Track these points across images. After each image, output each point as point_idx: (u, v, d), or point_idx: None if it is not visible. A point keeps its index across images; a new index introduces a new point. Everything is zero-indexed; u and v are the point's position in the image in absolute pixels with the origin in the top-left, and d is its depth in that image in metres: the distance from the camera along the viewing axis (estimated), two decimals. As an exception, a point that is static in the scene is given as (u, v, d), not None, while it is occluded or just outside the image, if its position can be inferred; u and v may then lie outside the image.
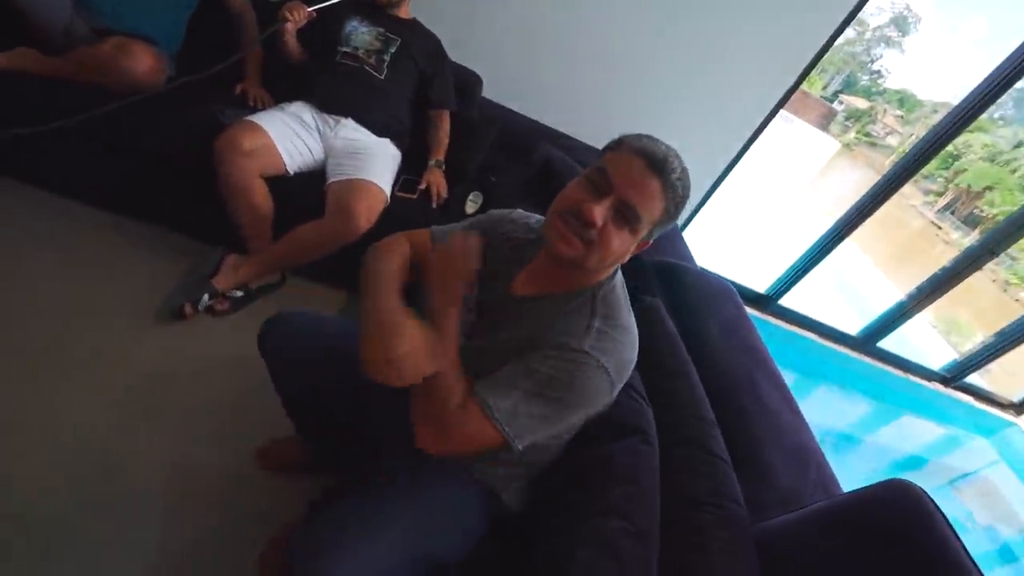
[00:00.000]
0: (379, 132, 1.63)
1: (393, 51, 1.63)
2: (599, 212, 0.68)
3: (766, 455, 1.14)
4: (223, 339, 1.44)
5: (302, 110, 1.55)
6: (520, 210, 0.94)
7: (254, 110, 1.58)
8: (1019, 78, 2.26)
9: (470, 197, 1.73)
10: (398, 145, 1.70)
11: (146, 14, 1.52)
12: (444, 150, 1.75)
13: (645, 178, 0.69)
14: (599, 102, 2.25)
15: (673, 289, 1.50)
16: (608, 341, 0.72)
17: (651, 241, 0.77)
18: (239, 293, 1.50)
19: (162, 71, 1.45)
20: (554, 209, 0.74)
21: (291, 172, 1.49)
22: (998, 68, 2.25)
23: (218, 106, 1.55)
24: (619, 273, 0.81)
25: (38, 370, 1.19)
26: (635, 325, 0.78)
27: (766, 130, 2.40)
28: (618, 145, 0.73)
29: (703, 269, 1.71)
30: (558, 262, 0.74)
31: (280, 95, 1.63)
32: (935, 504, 0.81)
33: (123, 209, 1.60)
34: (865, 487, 0.87)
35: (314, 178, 1.55)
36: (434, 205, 1.66)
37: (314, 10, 1.50)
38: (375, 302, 0.76)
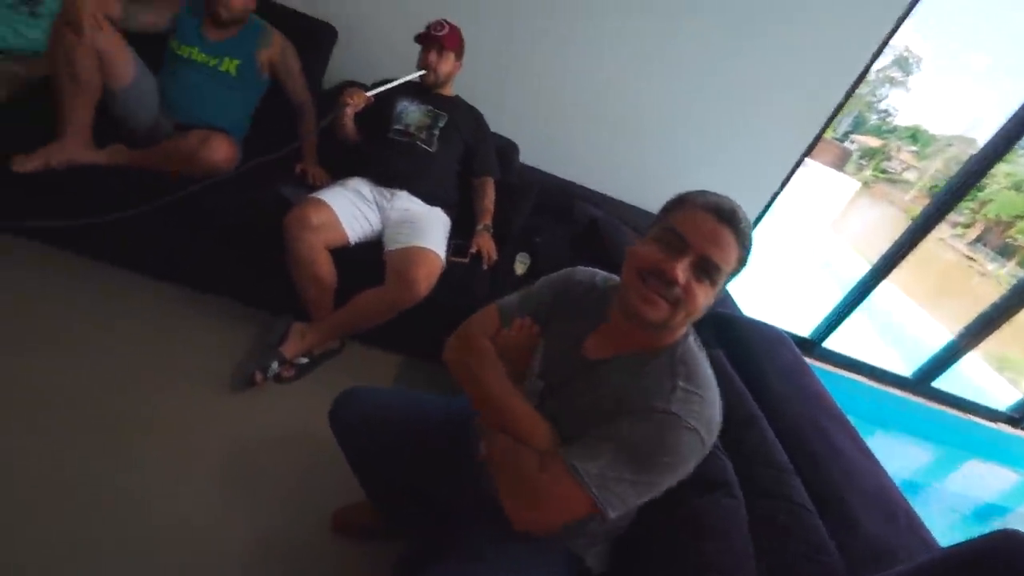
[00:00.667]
0: (431, 201, 1.73)
1: (441, 126, 1.76)
2: (681, 270, 0.70)
3: (849, 502, 1.10)
4: (291, 406, 1.49)
5: (360, 185, 1.67)
6: (582, 268, 0.95)
7: (312, 187, 1.72)
8: None
9: (519, 258, 1.79)
10: (448, 213, 1.80)
11: (219, 109, 1.69)
12: (491, 215, 1.84)
13: (719, 230, 0.70)
14: (630, 161, 2.35)
15: (729, 339, 1.51)
16: (695, 401, 0.71)
17: (723, 291, 0.79)
18: (304, 360, 1.56)
19: (236, 158, 1.59)
20: (629, 272, 0.75)
21: (352, 243, 1.58)
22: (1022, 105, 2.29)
23: (281, 185, 1.68)
24: (693, 329, 0.81)
25: (119, 440, 1.24)
26: (715, 381, 0.77)
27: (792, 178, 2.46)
28: (682, 203, 0.75)
29: (753, 318, 1.72)
30: (641, 325, 0.74)
31: (338, 172, 1.76)
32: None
33: (196, 284, 1.71)
34: (975, 539, 0.83)
35: (372, 246, 1.64)
36: (485, 267, 1.73)
37: (372, 95, 1.64)
38: (514, 399, 0.81)
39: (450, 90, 1.86)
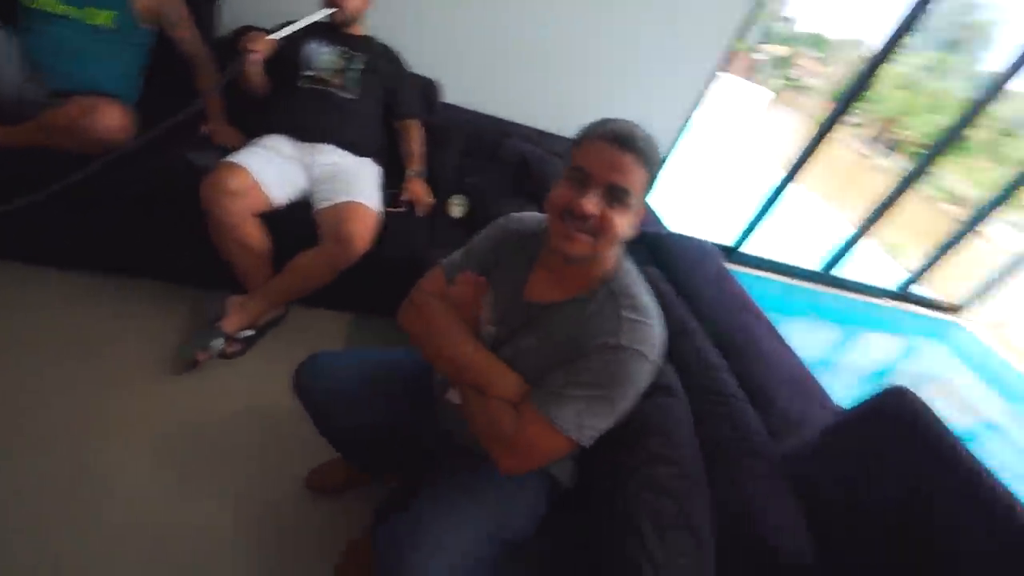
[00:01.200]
0: (358, 152, 1.66)
1: (359, 67, 1.65)
2: (591, 203, 0.74)
3: (771, 388, 1.27)
4: (244, 379, 1.47)
5: (279, 142, 1.56)
6: (516, 214, 0.98)
7: (225, 150, 1.59)
8: (923, 10, 2.48)
9: (455, 201, 1.79)
10: (377, 161, 1.74)
11: (101, 70, 1.50)
12: (421, 159, 1.79)
13: (617, 157, 0.74)
14: (553, 92, 2.34)
15: (661, 256, 1.62)
16: (641, 328, 0.78)
17: (644, 209, 0.84)
18: (248, 332, 1.52)
19: (130, 125, 1.44)
20: (550, 214, 0.80)
21: (279, 206, 1.51)
22: (907, 10, 2.46)
23: (188, 151, 1.55)
24: (625, 255, 0.87)
25: (69, 447, 1.19)
26: (654, 300, 0.84)
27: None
28: (583, 138, 0.79)
29: (681, 234, 1.84)
30: (573, 262, 0.80)
31: (251, 129, 1.64)
32: (925, 403, 0.94)
33: (112, 269, 1.59)
34: (865, 400, 1.00)
35: (303, 207, 1.57)
36: (421, 214, 1.71)
37: (276, 38, 1.51)
38: (473, 355, 0.86)
39: (360, 29, 1.74)
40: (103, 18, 1.48)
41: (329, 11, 1.60)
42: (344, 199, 1.50)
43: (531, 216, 0.96)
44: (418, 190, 1.73)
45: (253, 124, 1.64)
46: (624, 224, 0.78)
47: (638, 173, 0.75)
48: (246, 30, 1.66)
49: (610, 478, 0.96)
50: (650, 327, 0.80)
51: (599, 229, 0.76)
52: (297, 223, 1.53)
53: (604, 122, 0.78)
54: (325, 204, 1.51)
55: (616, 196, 0.75)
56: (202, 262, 1.55)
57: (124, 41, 1.54)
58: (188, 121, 1.49)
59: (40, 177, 1.32)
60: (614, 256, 0.84)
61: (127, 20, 1.52)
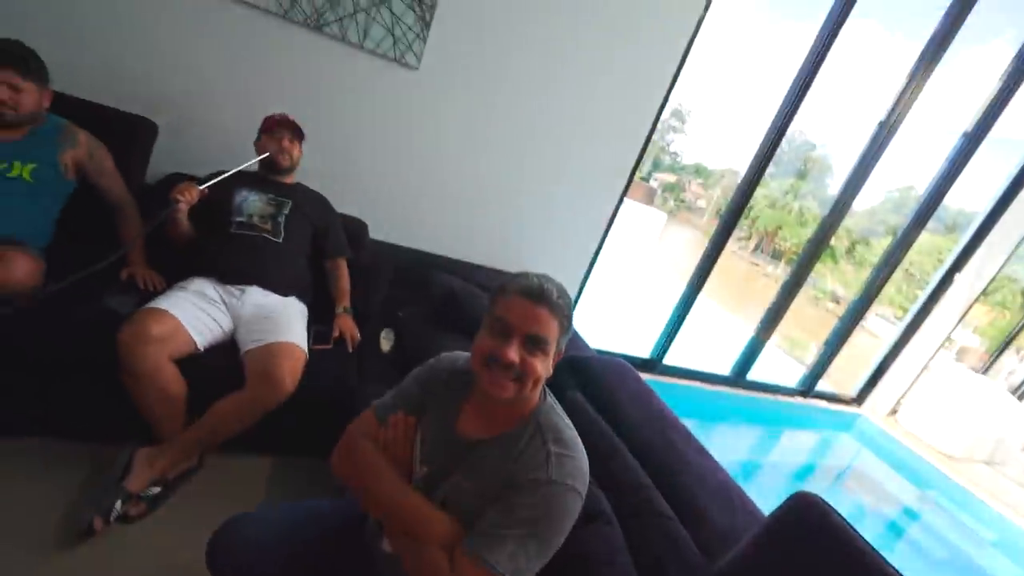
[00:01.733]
0: (284, 292, 1.69)
1: (287, 213, 1.74)
2: (512, 352, 0.82)
3: (699, 502, 1.32)
4: (148, 545, 1.30)
5: (203, 285, 1.56)
6: (445, 354, 1.04)
7: (146, 294, 1.56)
8: (776, 147, 3.09)
9: (383, 335, 1.82)
10: (303, 299, 1.77)
11: (12, 219, 1.46)
12: (348, 296, 1.85)
13: (533, 310, 0.82)
14: (476, 226, 2.54)
15: (584, 379, 1.71)
16: (568, 462, 0.83)
17: (563, 351, 0.92)
18: (156, 490, 1.38)
19: (39, 273, 1.39)
20: (477, 362, 0.86)
21: (201, 349, 1.47)
22: (764, 141, 3.04)
23: (106, 296, 1.51)
24: (546, 390, 0.94)
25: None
26: (575, 431, 0.91)
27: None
28: (502, 292, 0.87)
29: (599, 353, 1.97)
30: (498, 403, 0.86)
31: (174, 273, 1.63)
32: (830, 507, 1.04)
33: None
34: (775, 509, 1.08)
35: (221, 350, 1.54)
36: (350, 349, 1.72)
37: (205, 188, 1.58)
38: (405, 498, 0.87)
39: (292, 179, 1.86)
40: (22, 171, 1.49)
41: (258, 159, 1.72)
42: (273, 339, 1.50)
43: (459, 355, 1.02)
44: (347, 325, 1.76)
45: (177, 268, 1.64)
46: (543, 367, 0.85)
47: (552, 323, 0.84)
48: (177, 178, 1.73)
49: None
50: (577, 460, 0.85)
51: (522, 374, 0.83)
52: (215, 367, 1.49)
53: (520, 277, 0.86)
54: (253, 345, 1.49)
55: (535, 344, 0.83)
56: (108, 415, 1.44)
57: (42, 192, 1.54)
58: (107, 267, 1.48)
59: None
60: (537, 395, 0.91)
61: (49, 173, 1.54)
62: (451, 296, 1.74)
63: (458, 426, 0.92)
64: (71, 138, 1.58)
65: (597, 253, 2.92)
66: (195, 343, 1.45)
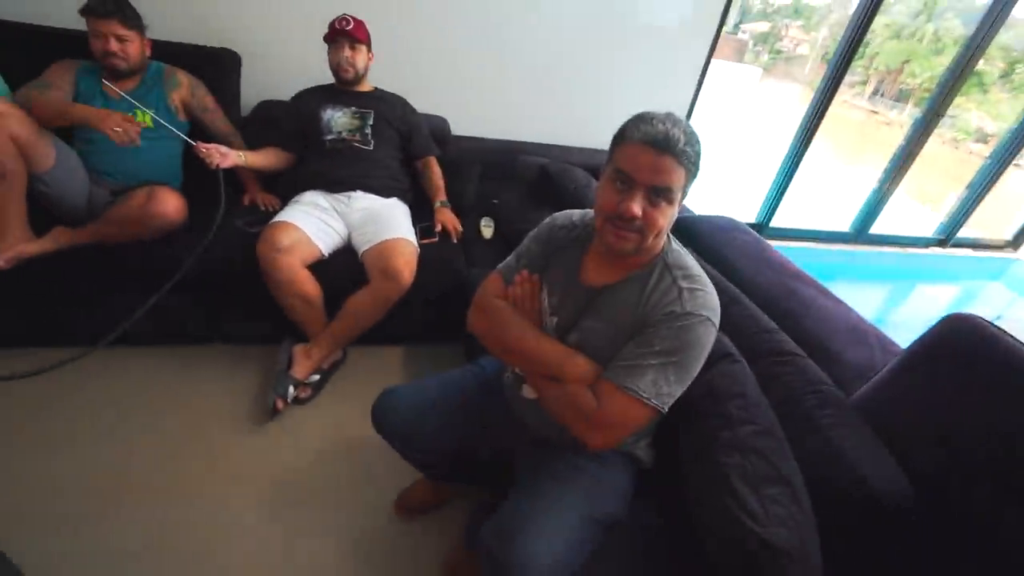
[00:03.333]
0: (385, 194, 1.78)
1: (371, 123, 1.78)
2: (636, 206, 0.78)
3: (829, 342, 1.27)
4: (319, 420, 1.55)
5: (315, 197, 1.69)
6: (559, 213, 1.04)
7: (268, 213, 1.72)
8: None
9: (482, 223, 1.87)
10: (403, 199, 1.85)
11: (149, 163, 1.65)
12: (442, 190, 1.89)
13: (657, 161, 0.76)
14: (556, 106, 2.42)
15: (691, 238, 1.65)
16: (700, 295, 0.83)
17: (688, 194, 0.87)
18: (316, 377, 1.61)
19: (184, 207, 1.57)
20: (598, 217, 0.85)
21: (326, 255, 1.62)
22: None
23: (237, 220, 1.68)
24: (670, 235, 0.91)
25: (180, 502, 1.28)
26: (701, 269, 0.89)
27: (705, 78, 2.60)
28: (622, 139, 0.81)
29: (706, 216, 1.87)
30: (624, 255, 0.85)
31: (288, 191, 1.77)
32: (989, 322, 0.94)
33: (181, 341, 1.71)
34: (927, 332, 1.01)
35: (344, 253, 1.68)
36: (454, 240, 1.80)
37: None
38: (541, 344, 0.92)
39: (367, 84, 1.87)
40: (144, 118, 1.63)
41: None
42: (384, 238, 1.60)
43: (573, 212, 1.03)
44: (447, 218, 1.82)
45: (291, 186, 1.77)
46: (666, 219, 0.82)
47: (678, 172, 0.78)
48: (268, 105, 1.82)
49: (692, 448, 0.98)
50: (708, 294, 0.84)
51: (645, 227, 0.80)
52: (342, 269, 1.63)
53: (642, 121, 0.78)
54: (368, 246, 1.60)
55: (659, 195, 0.79)
56: (263, 320, 1.66)
57: (164, 136, 1.69)
58: (231, 195, 1.64)
59: (114, 266, 1.47)
60: (663, 240, 0.89)
61: (165, 116, 1.67)
62: (543, 173, 1.71)
63: (582, 276, 0.94)
64: (174, 80, 1.70)
65: (688, 118, 2.68)
66: (320, 249, 1.59)
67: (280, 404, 1.50)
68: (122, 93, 1.53)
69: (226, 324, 1.71)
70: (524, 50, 2.27)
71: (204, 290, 1.60)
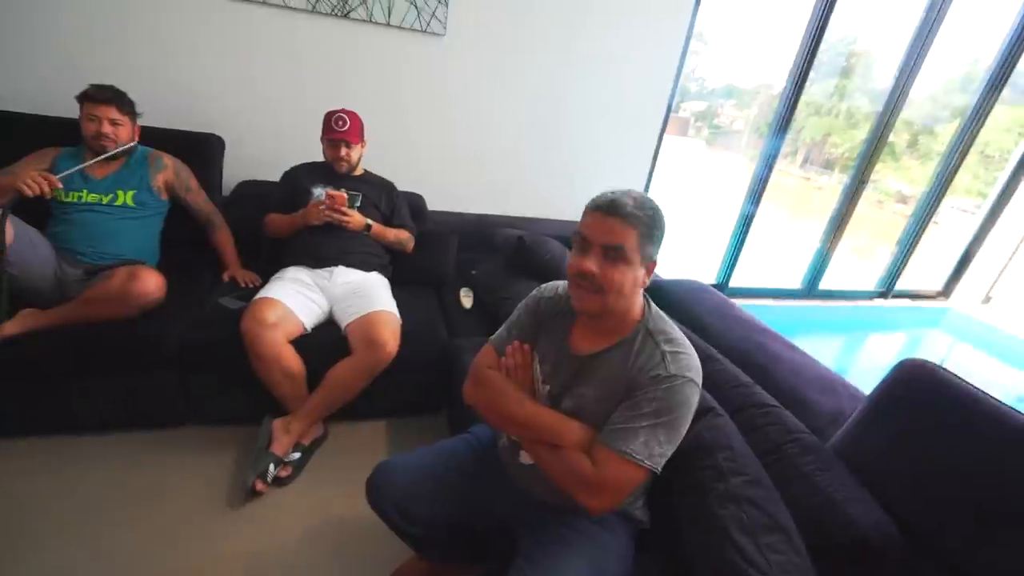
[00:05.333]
0: (367, 268, 1.82)
1: (358, 205, 1.85)
2: (590, 263, 0.86)
3: (801, 392, 1.35)
4: (301, 502, 1.48)
5: (298, 273, 1.72)
6: (546, 284, 1.11)
7: (250, 290, 1.74)
8: (816, 51, 2.91)
9: (462, 293, 1.92)
10: (384, 274, 1.90)
11: (128, 242, 1.66)
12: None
13: (606, 222, 0.85)
14: (527, 182, 2.58)
15: (664, 301, 1.75)
16: (682, 358, 0.89)
17: (656, 260, 0.95)
18: (296, 455, 1.56)
19: (164, 285, 1.56)
20: (569, 280, 0.93)
21: (309, 329, 1.62)
22: (802, 46, 2.88)
23: (219, 297, 1.69)
24: (648, 299, 0.99)
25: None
26: (681, 333, 0.96)
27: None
28: (585, 210, 0.91)
29: (672, 280, 1.99)
30: (593, 317, 0.92)
31: (270, 267, 1.80)
32: (937, 365, 1.05)
33: (152, 424, 1.64)
34: (886, 377, 1.10)
35: (326, 327, 1.69)
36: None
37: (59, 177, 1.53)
38: (537, 412, 0.95)
39: (359, 170, 1.95)
40: (125, 198, 1.67)
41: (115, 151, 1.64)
42: (368, 310, 1.63)
43: (559, 283, 1.09)
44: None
45: (272, 263, 1.80)
46: (625, 277, 0.87)
47: (627, 232, 0.85)
48: (248, 185, 1.87)
49: (685, 503, 1.01)
50: (690, 356, 0.91)
51: (601, 285, 0.87)
52: (324, 343, 1.63)
53: (601, 195, 0.89)
54: (352, 318, 1.62)
55: (611, 254, 0.86)
56: (241, 399, 1.63)
57: (145, 214, 1.72)
58: (213, 273, 1.65)
59: (85, 349, 1.43)
60: (639, 303, 0.96)
61: (147, 196, 1.71)
62: (520, 245, 1.80)
63: (570, 344, 0.99)
64: (159, 162, 1.75)
65: (647, 189, 2.89)
66: (303, 324, 1.60)
67: (260, 485, 1.43)
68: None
69: (201, 404, 1.66)
70: (493, 126, 2.44)
71: (182, 369, 1.57)
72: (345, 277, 1.76)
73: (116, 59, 1.87)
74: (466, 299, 1.93)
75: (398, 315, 1.69)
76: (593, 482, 0.86)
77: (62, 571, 1.21)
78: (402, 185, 2.12)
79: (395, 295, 1.82)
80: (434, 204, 2.32)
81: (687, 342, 0.94)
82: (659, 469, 0.86)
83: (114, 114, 1.60)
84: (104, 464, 1.50)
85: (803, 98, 3.05)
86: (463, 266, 2.12)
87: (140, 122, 1.72)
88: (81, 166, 1.58)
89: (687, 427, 0.89)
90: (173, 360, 1.53)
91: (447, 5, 2.14)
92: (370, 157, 2.03)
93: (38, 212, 1.56)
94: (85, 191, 1.62)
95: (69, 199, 1.60)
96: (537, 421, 0.94)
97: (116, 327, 1.47)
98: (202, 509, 1.41)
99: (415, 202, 2.20)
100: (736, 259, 3.40)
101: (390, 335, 1.58)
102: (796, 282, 3.82)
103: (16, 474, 1.42)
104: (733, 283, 3.50)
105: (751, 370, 1.39)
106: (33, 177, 1.44)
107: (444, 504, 1.06)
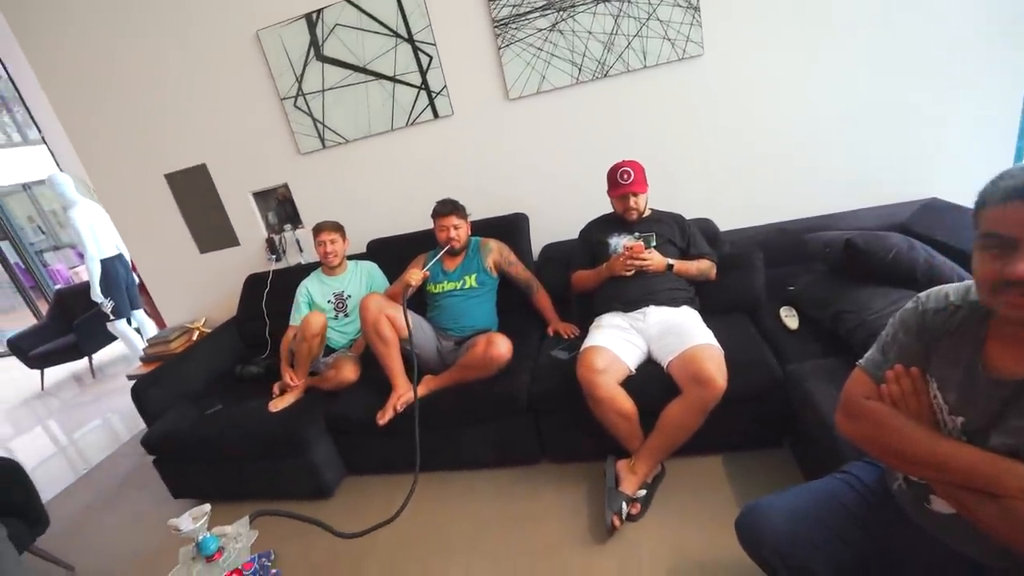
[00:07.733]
0: (676, 304, 1.83)
1: (654, 244, 1.91)
2: (1022, 266, 0.66)
3: None
4: (656, 537, 1.53)
5: (614, 318, 1.84)
6: (924, 292, 0.89)
7: (572, 341, 1.95)
8: None
9: (783, 313, 1.74)
10: (693, 306, 1.88)
11: (479, 315, 2.09)
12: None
13: None
14: (824, 172, 2.21)
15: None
16: None
17: None
18: (642, 492, 1.61)
19: (512, 346, 1.88)
20: (982, 291, 0.74)
21: (634, 371, 1.71)
22: None
23: (551, 351, 1.94)
24: None
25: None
26: None
27: None
28: (983, 205, 0.72)
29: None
30: None
31: (586, 317, 1.98)
32: None
33: (515, 462, 1.96)
34: None
35: (649, 365, 1.75)
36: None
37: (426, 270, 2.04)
38: (957, 452, 0.76)
39: (647, 211, 2.00)
40: (471, 281, 2.11)
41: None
42: (687, 345, 1.62)
43: (944, 289, 0.87)
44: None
45: (579, 314, 1.99)
46: None
47: None
48: (551, 248, 2.15)
49: None
50: None
51: None
52: (651, 382, 1.68)
53: (1002, 178, 0.70)
54: (672, 356, 1.64)
55: None
56: (581, 439, 1.80)
57: (486, 290, 2.14)
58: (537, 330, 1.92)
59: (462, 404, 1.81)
60: None
61: (484, 276, 2.13)
62: (852, 250, 1.52)
63: (988, 365, 0.77)
64: (487, 248, 2.17)
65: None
66: (628, 366, 1.69)
67: (617, 522, 1.53)
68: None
69: (552, 443, 1.90)
70: (776, 125, 2.20)
71: (533, 415, 1.84)
72: (657, 316, 1.80)
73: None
74: (790, 319, 1.73)
75: (719, 346, 1.63)
76: None
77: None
78: (689, 213, 2.10)
79: (708, 325, 1.77)
80: (725, 224, 2.21)
81: None
82: None
83: (455, 220, 2.08)
84: (485, 494, 1.86)
85: None
86: (775, 283, 1.92)
87: (471, 219, 2.19)
88: (436, 257, 2.10)
89: None
90: (524, 408, 1.81)
91: (701, 25, 2.09)
92: (653, 195, 2.08)
93: (416, 305, 2.12)
94: (445, 282, 2.12)
95: (437, 290, 2.12)
96: (958, 463, 0.74)
97: (480, 384, 1.86)
98: (569, 534, 1.61)
99: (707, 227, 2.14)
100: None
101: (716, 369, 1.53)
102: None
103: (427, 499, 1.89)
104: None
105: None
106: (412, 274, 2.01)
107: (833, 553, 0.93)
